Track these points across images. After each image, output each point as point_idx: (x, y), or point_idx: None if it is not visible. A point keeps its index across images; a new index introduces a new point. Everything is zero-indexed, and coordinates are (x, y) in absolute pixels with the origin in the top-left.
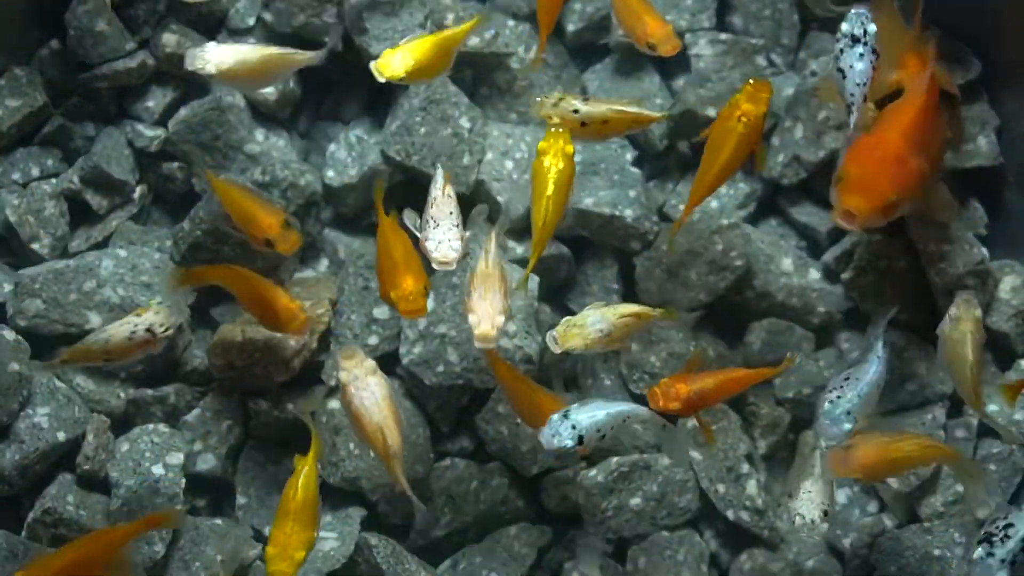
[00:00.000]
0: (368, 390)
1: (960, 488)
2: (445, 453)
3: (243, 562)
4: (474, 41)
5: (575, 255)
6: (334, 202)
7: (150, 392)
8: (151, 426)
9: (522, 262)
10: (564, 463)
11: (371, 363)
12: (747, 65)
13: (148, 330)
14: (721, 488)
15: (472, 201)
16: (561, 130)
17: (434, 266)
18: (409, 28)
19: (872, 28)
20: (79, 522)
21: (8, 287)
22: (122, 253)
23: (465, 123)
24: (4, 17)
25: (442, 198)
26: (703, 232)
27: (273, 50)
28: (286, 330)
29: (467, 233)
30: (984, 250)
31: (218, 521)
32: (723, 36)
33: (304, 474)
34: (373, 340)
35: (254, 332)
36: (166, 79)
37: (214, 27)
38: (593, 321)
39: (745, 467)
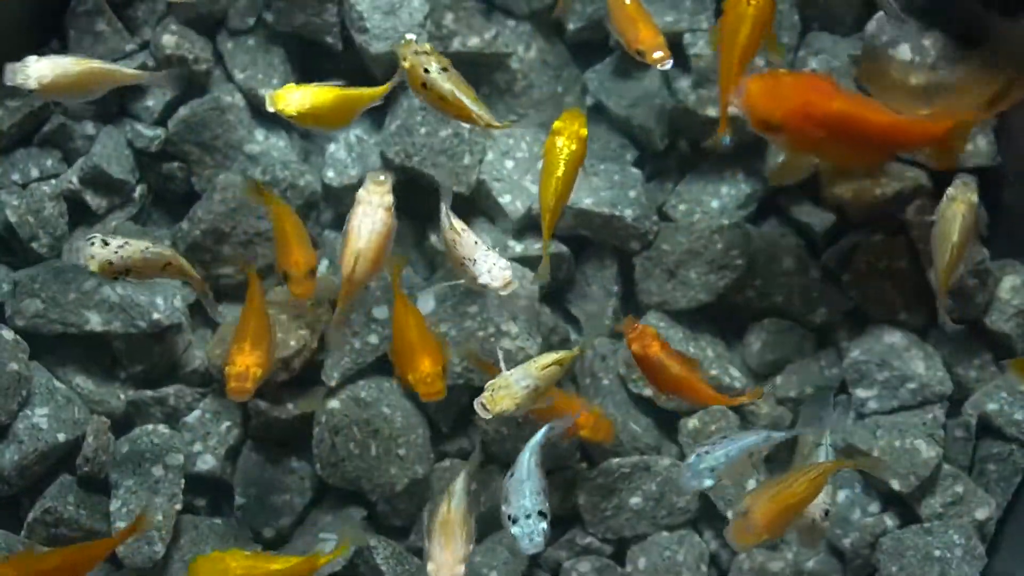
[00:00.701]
0: (371, 218)
1: (960, 489)
2: (445, 454)
3: None
4: (474, 41)
5: (575, 255)
6: (334, 202)
7: (150, 393)
8: (151, 427)
9: (522, 260)
10: (564, 463)
11: (390, 198)
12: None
13: None
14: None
15: (472, 201)
16: (576, 112)
17: (500, 293)
18: (409, 28)
19: None
20: (79, 522)
21: (7, 287)
22: None
23: (465, 123)
24: (4, 17)
25: (459, 235)
26: (703, 231)
27: (95, 64)
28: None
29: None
30: (984, 250)
31: (217, 521)
32: None
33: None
34: (373, 339)
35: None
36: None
37: (214, 27)
38: (518, 379)
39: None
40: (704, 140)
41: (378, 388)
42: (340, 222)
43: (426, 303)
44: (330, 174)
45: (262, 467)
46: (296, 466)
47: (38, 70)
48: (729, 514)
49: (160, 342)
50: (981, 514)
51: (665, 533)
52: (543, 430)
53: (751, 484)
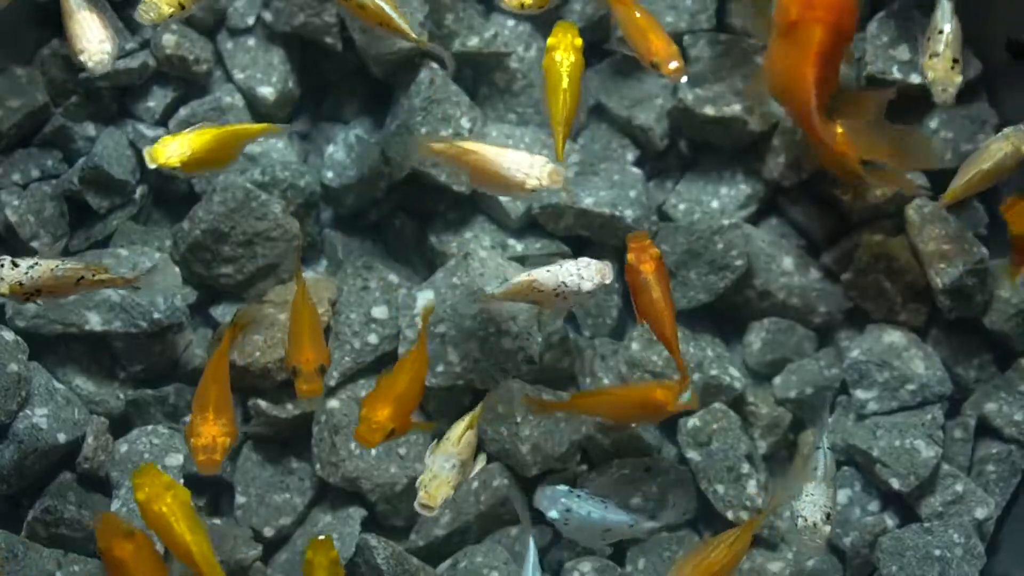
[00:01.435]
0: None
1: (959, 488)
2: None
3: (242, 563)
4: (474, 41)
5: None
6: (333, 203)
7: (150, 392)
8: (150, 427)
9: (521, 259)
10: (564, 465)
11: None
12: (746, 65)
13: None
14: (720, 488)
15: (471, 200)
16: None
17: (605, 282)
18: (409, 27)
19: None
20: (79, 522)
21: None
22: (123, 252)
23: (465, 123)
24: (4, 17)
25: (528, 278)
26: (703, 232)
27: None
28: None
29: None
30: (984, 250)
31: (217, 521)
32: (722, 37)
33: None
34: (372, 339)
35: (254, 331)
36: (167, 79)
37: (214, 27)
38: (442, 465)
39: (745, 467)
40: (704, 140)
41: None
42: (339, 222)
43: (426, 302)
44: (329, 175)
45: (262, 467)
46: (296, 466)
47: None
48: (729, 514)
49: (160, 342)
50: (980, 513)
51: (665, 534)
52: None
53: (807, 488)
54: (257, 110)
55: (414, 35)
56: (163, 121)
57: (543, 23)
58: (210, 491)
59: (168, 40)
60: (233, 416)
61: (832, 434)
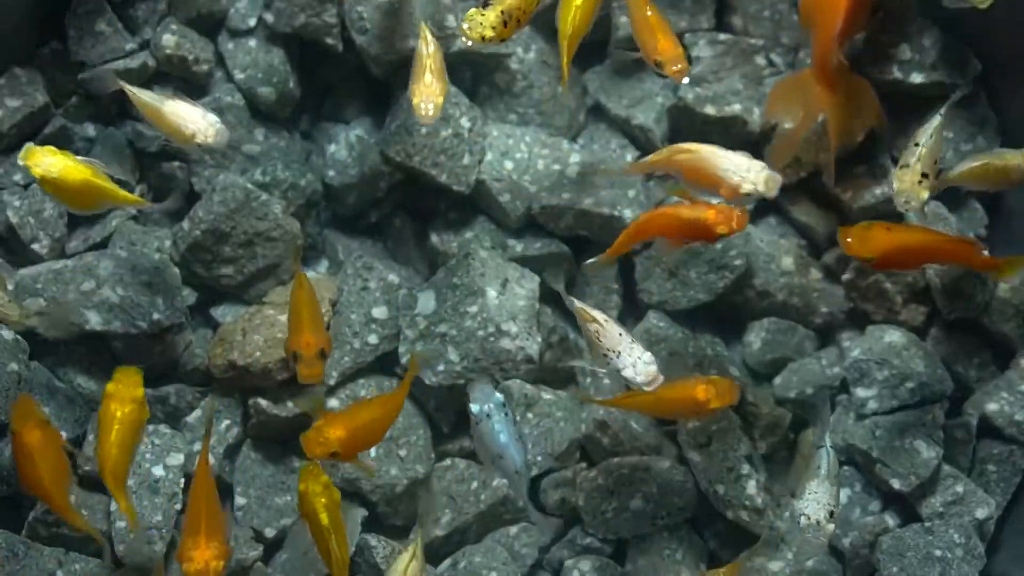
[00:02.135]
0: None
1: (960, 488)
2: (445, 453)
3: (243, 563)
4: None
5: (575, 255)
6: (334, 202)
7: (150, 392)
8: (152, 427)
9: (522, 260)
10: (564, 464)
11: None
12: (746, 65)
13: None
14: (720, 488)
15: (471, 200)
16: None
17: (644, 388)
18: (410, 28)
19: None
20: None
21: (10, 286)
22: (122, 253)
23: (465, 123)
24: (4, 17)
25: (602, 327)
26: None
27: None
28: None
29: None
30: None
31: None
32: (722, 36)
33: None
34: (373, 339)
35: (254, 331)
36: (166, 79)
37: (214, 27)
38: None
39: (745, 467)
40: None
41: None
42: (340, 222)
43: (427, 303)
44: (331, 174)
45: (262, 466)
46: (297, 465)
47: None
48: (729, 514)
49: (160, 342)
50: (981, 514)
51: (665, 533)
52: None
53: (810, 486)
54: (258, 110)
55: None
56: None
57: (543, 24)
58: None
59: (168, 40)
60: (226, 535)
61: (832, 434)
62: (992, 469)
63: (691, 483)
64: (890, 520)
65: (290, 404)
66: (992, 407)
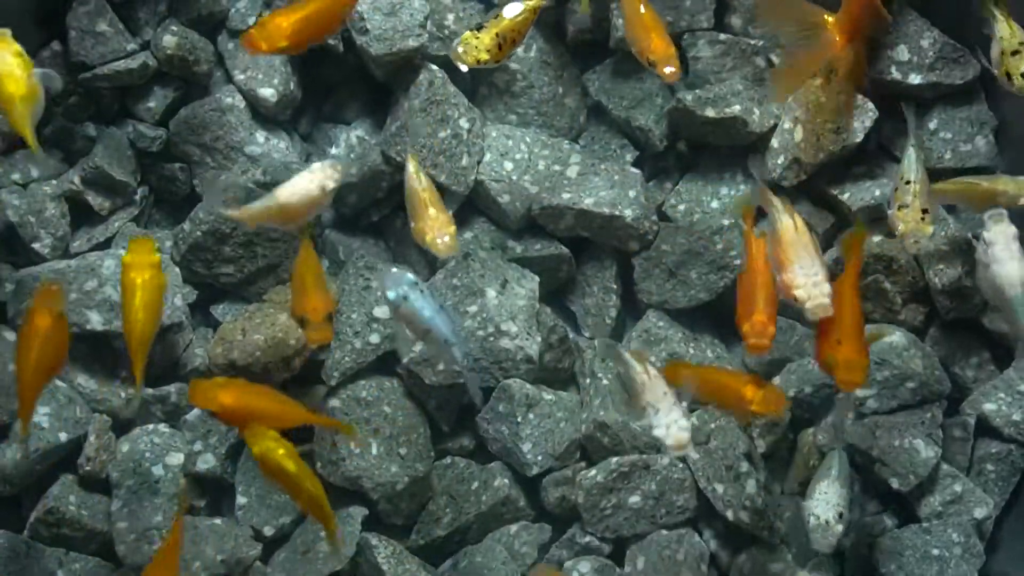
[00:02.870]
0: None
1: (958, 488)
2: (446, 452)
3: (243, 562)
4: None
5: (575, 255)
6: (335, 203)
7: (151, 391)
8: (151, 426)
9: (521, 260)
10: (564, 463)
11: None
12: (746, 66)
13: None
14: (720, 488)
15: (471, 201)
16: None
17: (672, 453)
18: (410, 28)
19: None
20: (81, 522)
21: (9, 287)
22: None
23: (464, 124)
24: (4, 18)
25: (649, 380)
26: (703, 232)
27: None
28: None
29: None
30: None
31: (217, 521)
32: (722, 37)
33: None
34: (374, 339)
35: (255, 331)
36: (167, 79)
37: (215, 28)
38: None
39: (744, 466)
40: (703, 141)
41: (379, 387)
42: (340, 222)
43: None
44: None
45: None
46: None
47: None
48: (729, 514)
49: (161, 341)
50: (979, 513)
51: (664, 532)
52: None
53: (820, 486)
54: (258, 111)
55: None
56: (163, 121)
57: (544, 24)
58: (211, 491)
59: (169, 40)
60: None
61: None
62: (990, 468)
63: (691, 482)
64: (888, 520)
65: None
66: (990, 407)
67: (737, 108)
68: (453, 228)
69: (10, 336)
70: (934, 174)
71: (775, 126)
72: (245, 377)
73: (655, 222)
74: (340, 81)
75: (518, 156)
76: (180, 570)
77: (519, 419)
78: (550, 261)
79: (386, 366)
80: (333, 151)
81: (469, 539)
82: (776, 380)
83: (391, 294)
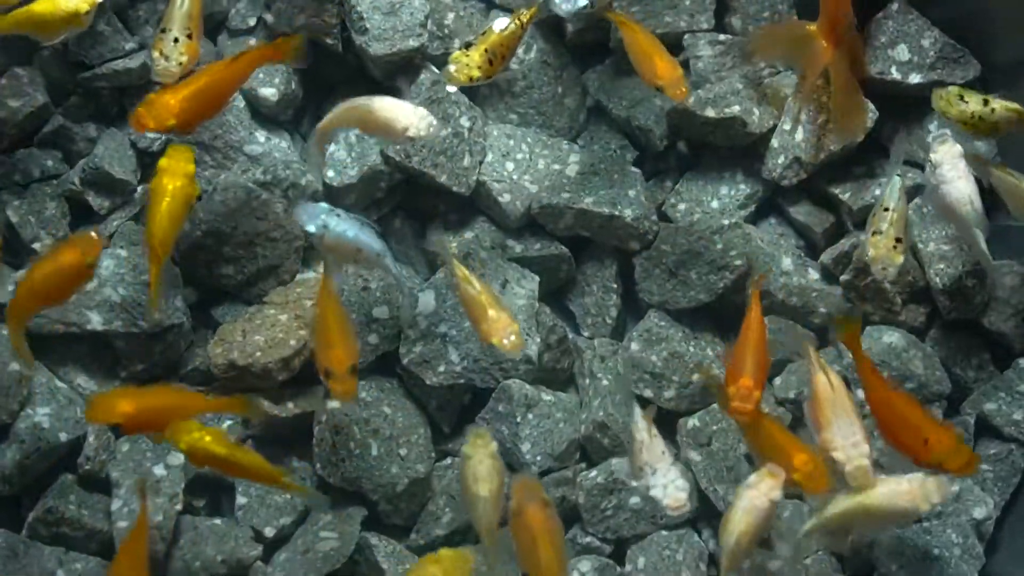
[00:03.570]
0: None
1: (958, 488)
2: (446, 452)
3: (243, 562)
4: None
5: (575, 255)
6: (334, 202)
7: None
8: None
9: (521, 260)
10: (563, 463)
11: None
12: (746, 66)
13: None
14: (721, 488)
15: (471, 201)
16: None
17: (670, 513)
18: (410, 28)
19: None
20: (80, 522)
21: (9, 287)
22: (123, 253)
23: (465, 123)
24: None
25: (649, 440)
26: (703, 232)
27: None
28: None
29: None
30: None
31: (217, 521)
32: (722, 37)
33: None
34: (373, 339)
35: (255, 332)
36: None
37: (215, 28)
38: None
39: (745, 467)
40: (704, 141)
41: (379, 388)
42: None
43: (427, 302)
44: (331, 174)
45: None
46: (297, 465)
47: None
48: None
49: (161, 341)
50: (979, 513)
51: (664, 532)
52: None
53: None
54: (259, 111)
55: None
56: None
57: (544, 24)
58: (211, 491)
59: None
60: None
61: None
62: (990, 468)
63: (691, 482)
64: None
65: (290, 404)
66: (990, 406)
67: (737, 108)
68: (516, 325)
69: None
70: None
71: (775, 126)
72: (245, 377)
73: (655, 222)
74: (340, 81)
75: (519, 156)
76: (149, 563)
77: (518, 419)
78: (550, 261)
79: (386, 367)
80: (332, 149)
81: (469, 539)
82: (777, 381)
83: (311, 227)
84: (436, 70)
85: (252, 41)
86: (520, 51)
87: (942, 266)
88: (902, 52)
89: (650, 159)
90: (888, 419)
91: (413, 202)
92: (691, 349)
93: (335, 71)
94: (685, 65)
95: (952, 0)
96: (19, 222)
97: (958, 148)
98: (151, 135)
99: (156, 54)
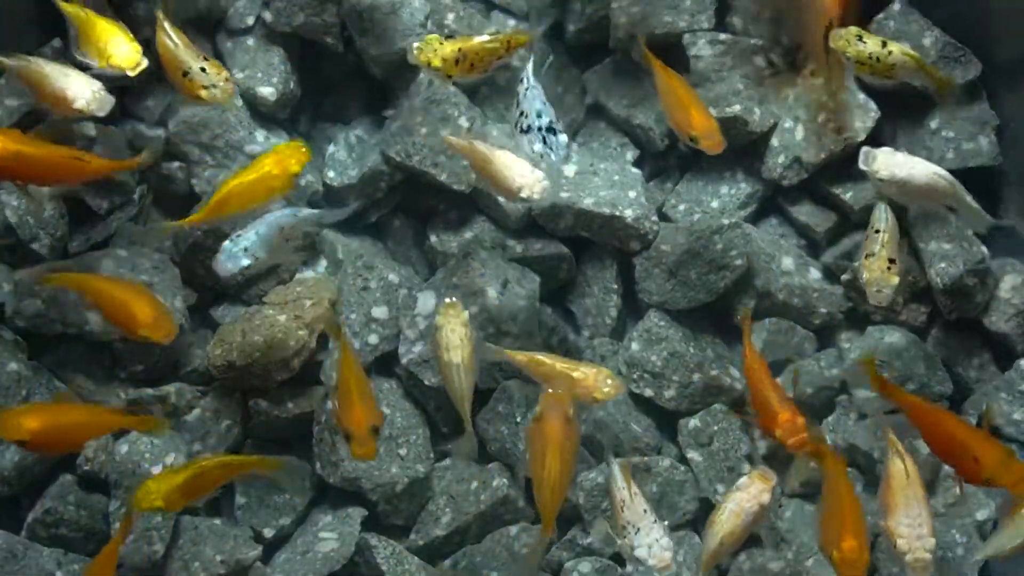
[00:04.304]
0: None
1: (959, 489)
2: (445, 453)
3: (242, 563)
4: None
5: (575, 255)
6: (334, 203)
7: (150, 391)
8: None
9: (521, 260)
10: None
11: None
12: (746, 65)
13: None
14: (721, 488)
15: (471, 200)
16: None
17: (656, 573)
18: (410, 28)
19: None
20: (79, 522)
21: (7, 287)
22: (122, 253)
23: (464, 123)
24: (4, 17)
25: (630, 499)
26: (703, 232)
27: None
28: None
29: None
30: (984, 249)
31: (217, 521)
32: (722, 36)
33: None
34: (373, 339)
35: (254, 332)
36: (167, 79)
37: (214, 27)
38: None
39: (746, 468)
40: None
41: (378, 388)
42: (340, 222)
43: (427, 303)
44: (331, 174)
45: None
46: (296, 465)
47: None
48: None
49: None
50: (981, 515)
51: None
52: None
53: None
54: (257, 110)
55: None
56: (163, 121)
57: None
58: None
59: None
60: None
61: (833, 434)
62: None
63: (691, 483)
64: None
65: (290, 404)
66: (991, 407)
67: (737, 108)
68: (605, 370)
69: (8, 336)
70: None
71: (775, 125)
72: (245, 378)
73: (655, 222)
74: (340, 80)
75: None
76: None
77: (518, 419)
78: (550, 261)
79: (385, 367)
80: (332, 149)
81: (468, 539)
82: (778, 380)
83: (244, 262)
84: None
85: (250, 41)
86: (520, 50)
87: (943, 265)
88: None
89: (650, 159)
90: (936, 439)
91: (413, 202)
92: (691, 349)
93: (335, 70)
94: (685, 65)
95: (953, 0)
96: (17, 223)
97: (887, 149)
98: (150, 134)
99: (204, 93)
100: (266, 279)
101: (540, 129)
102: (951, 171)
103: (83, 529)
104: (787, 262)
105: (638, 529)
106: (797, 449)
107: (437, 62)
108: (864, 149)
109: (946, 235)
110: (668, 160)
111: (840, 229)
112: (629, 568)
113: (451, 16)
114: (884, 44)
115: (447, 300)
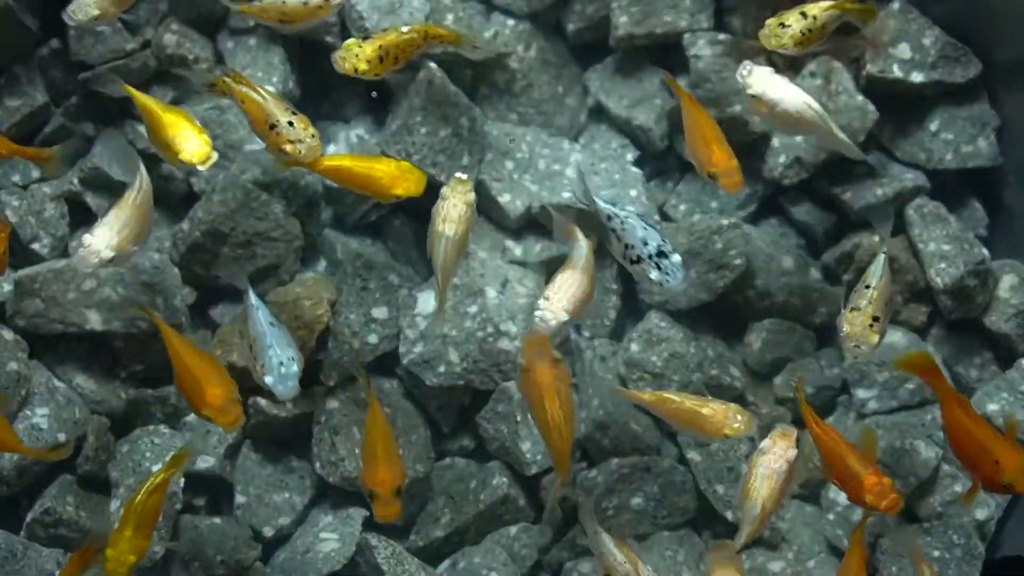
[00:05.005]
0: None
1: (959, 489)
2: (445, 452)
3: (242, 563)
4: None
5: None
6: (334, 203)
7: (150, 392)
8: (151, 427)
9: (521, 260)
10: None
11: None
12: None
13: None
14: (720, 488)
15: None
16: None
17: None
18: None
19: None
20: (79, 522)
21: (8, 287)
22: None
23: (464, 122)
24: (4, 16)
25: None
26: (703, 232)
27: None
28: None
29: None
30: (984, 250)
31: (217, 521)
32: (722, 36)
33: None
34: (372, 339)
35: None
36: (167, 79)
37: (214, 27)
38: None
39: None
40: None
41: (378, 388)
42: (339, 222)
43: (427, 303)
44: None
45: (262, 466)
46: (296, 465)
47: (103, 239)
48: (728, 515)
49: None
50: (980, 514)
51: (666, 533)
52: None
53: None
54: None
55: None
56: None
57: (544, 24)
58: (210, 491)
59: (168, 40)
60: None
61: None
62: None
63: (691, 483)
64: (890, 520)
65: (290, 404)
66: (993, 407)
67: (738, 108)
68: (732, 406)
69: (8, 336)
70: (934, 175)
71: None
72: (245, 378)
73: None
74: (339, 80)
75: (518, 155)
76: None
77: (518, 418)
78: (550, 261)
79: (385, 367)
80: (332, 149)
81: (468, 539)
82: (777, 380)
83: (294, 367)
84: (435, 69)
85: (251, 41)
86: (520, 49)
87: (943, 266)
88: (903, 51)
89: (651, 159)
90: (959, 440)
91: (413, 202)
92: (691, 349)
93: (334, 70)
94: (685, 65)
95: (952, 0)
96: (18, 223)
97: (767, 68)
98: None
99: (289, 148)
100: (266, 280)
101: (651, 257)
102: (952, 172)
103: (82, 529)
104: (787, 262)
105: None
106: (891, 511)
107: (363, 66)
108: (744, 62)
109: (946, 236)
110: (668, 160)
111: (840, 229)
112: (638, 499)
113: (450, 17)
114: (804, 14)
115: (457, 175)
